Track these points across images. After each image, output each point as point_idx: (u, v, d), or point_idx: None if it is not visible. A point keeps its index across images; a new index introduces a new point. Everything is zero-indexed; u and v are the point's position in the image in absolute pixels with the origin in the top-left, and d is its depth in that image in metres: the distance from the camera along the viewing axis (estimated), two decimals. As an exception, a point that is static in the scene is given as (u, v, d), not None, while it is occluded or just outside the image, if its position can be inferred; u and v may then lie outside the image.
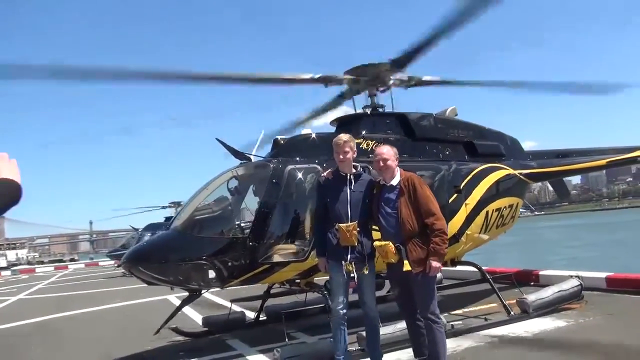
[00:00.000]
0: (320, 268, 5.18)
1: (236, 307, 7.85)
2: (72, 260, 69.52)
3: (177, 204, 27.69)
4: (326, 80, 7.97)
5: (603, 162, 10.26)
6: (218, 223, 6.46)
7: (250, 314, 8.36)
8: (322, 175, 5.24)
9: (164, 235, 6.45)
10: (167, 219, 26.85)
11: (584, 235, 38.94)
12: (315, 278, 6.73)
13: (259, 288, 7.74)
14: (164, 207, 28.26)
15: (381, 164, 4.78)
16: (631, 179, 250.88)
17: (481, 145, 8.44)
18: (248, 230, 6.19)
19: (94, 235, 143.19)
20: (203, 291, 6.73)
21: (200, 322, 8.19)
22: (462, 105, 8.73)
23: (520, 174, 8.88)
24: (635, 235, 33.47)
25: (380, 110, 8.00)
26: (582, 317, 6.79)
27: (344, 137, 4.97)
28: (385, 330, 5.49)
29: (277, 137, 7.13)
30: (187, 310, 10.32)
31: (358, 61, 7.63)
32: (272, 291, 7.89)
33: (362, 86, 7.98)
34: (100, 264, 41.06)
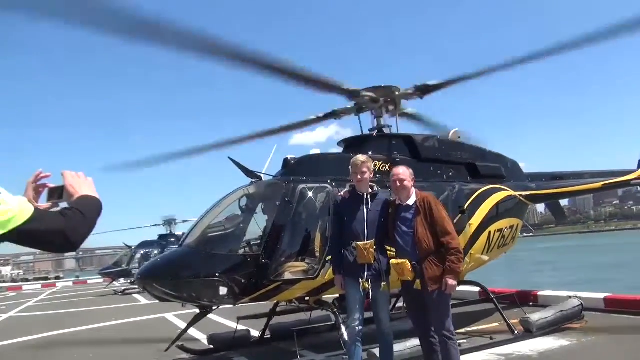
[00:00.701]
0: (336, 285, 5.29)
1: (241, 326, 7.88)
2: (57, 278, 68.23)
3: (170, 222, 27.50)
4: (334, 115, 8.27)
5: (599, 184, 10.53)
6: (231, 240, 6.55)
7: (255, 332, 8.38)
8: (339, 194, 5.39)
9: (178, 252, 6.52)
10: (161, 237, 26.69)
11: (573, 258, 39.32)
12: (324, 296, 6.83)
13: (264, 305, 7.80)
14: (156, 225, 28.00)
15: (398, 184, 4.95)
16: (617, 202, 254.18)
17: (483, 167, 8.66)
18: (261, 248, 6.28)
19: (80, 253, 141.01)
20: (214, 308, 6.77)
21: (204, 340, 8.19)
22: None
23: (521, 195, 9.11)
24: (624, 258, 33.93)
25: (386, 131, 8.22)
26: (584, 336, 6.94)
27: (361, 157, 5.15)
28: (397, 348, 5.58)
29: (287, 156, 7.28)
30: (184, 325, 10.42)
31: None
32: (277, 309, 7.94)
33: (378, 106, 8.15)
34: (89, 281, 40.49)
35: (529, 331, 7.01)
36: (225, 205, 6.82)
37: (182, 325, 10.94)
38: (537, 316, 7.16)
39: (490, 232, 8.18)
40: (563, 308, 7.48)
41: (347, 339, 5.05)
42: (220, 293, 6.05)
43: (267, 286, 6.22)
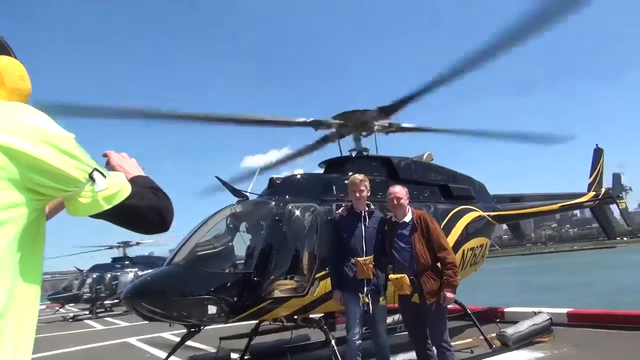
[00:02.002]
0: (335, 300, 5.41)
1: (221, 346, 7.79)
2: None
3: (125, 244, 26.58)
4: (317, 124, 8.45)
5: (556, 206, 11.25)
6: (222, 258, 6.55)
7: (236, 355, 8.29)
8: (337, 212, 5.56)
9: (167, 270, 6.42)
10: (115, 259, 25.71)
11: (515, 278, 40.96)
12: (310, 314, 6.91)
13: (246, 325, 7.76)
14: (111, 247, 26.96)
15: (395, 202, 5.19)
16: (555, 225, 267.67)
17: (455, 188, 9.09)
18: (252, 266, 6.31)
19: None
20: (202, 327, 6.70)
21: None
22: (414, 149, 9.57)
23: (489, 215, 9.59)
24: (561, 278, 35.83)
25: (365, 153, 8.51)
26: (555, 349, 7.34)
27: (359, 176, 5.36)
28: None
29: (272, 176, 7.40)
30: (155, 351, 10.12)
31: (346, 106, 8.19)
32: (259, 329, 7.91)
33: (348, 130, 8.50)
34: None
35: (505, 345, 7.34)
36: (213, 223, 6.82)
37: (150, 349, 10.66)
38: (512, 330, 7.52)
39: (464, 251, 8.55)
40: (535, 322, 7.89)
41: (347, 352, 5.15)
42: (212, 312, 6.02)
43: (258, 304, 6.24)
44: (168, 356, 6.82)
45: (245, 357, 8.07)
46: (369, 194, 5.38)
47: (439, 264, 5.02)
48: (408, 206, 5.27)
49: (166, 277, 6.27)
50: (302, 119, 8.13)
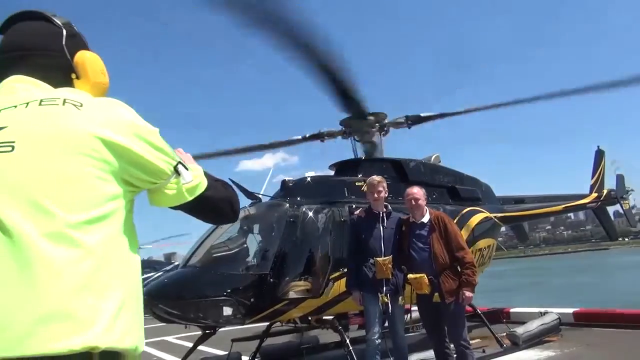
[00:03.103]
0: (354, 300, 5.48)
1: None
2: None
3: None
4: (318, 137, 8.60)
5: (560, 207, 11.37)
6: (236, 260, 6.58)
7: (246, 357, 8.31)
8: (355, 213, 5.63)
9: (183, 272, 6.46)
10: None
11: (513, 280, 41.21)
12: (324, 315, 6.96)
13: (258, 327, 7.80)
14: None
15: (413, 202, 5.27)
16: (550, 227, 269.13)
17: (462, 190, 9.18)
18: (267, 267, 6.36)
19: None
20: (218, 329, 6.73)
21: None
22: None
23: (495, 217, 9.69)
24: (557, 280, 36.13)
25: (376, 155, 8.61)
26: (564, 348, 7.43)
27: (377, 178, 5.44)
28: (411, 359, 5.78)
29: (285, 178, 7.46)
30: (162, 354, 10.11)
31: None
32: (271, 330, 7.95)
33: (353, 134, 8.58)
34: None
35: (515, 344, 7.43)
36: (228, 225, 6.85)
37: (156, 352, 10.65)
38: (522, 329, 7.61)
39: (472, 252, 8.63)
40: (544, 322, 7.98)
41: (366, 351, 5.21)
42: (228, 313, 6.06)
43: (274, 305, 6.29)
44: (184, 358, 6.84)
45: (256, 359, 8.11)
46: (387, 195, 5.46)
47: (456, 264, 5.09)
48: (425, 207, 5.35)
49: (183, 279, 6.31)
50: (304, 135, 8.36)
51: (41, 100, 1.19)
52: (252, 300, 6.16)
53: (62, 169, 1.10)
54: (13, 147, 1.10)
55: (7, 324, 0.95)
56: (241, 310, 6.13)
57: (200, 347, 7.76)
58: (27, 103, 1.18)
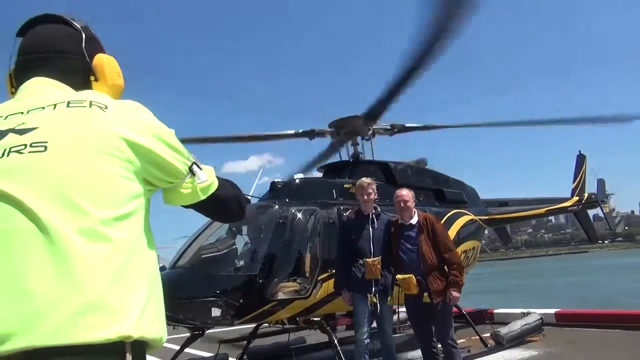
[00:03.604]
0: (344, 301, 5.54)
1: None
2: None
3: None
4: (310, 134, 8.65)
5: (543, 210, 11.61)
6: (225, 261, 6.60)
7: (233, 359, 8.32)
8: (345, 214, 5.70)
9: (172, 273, 6.45)
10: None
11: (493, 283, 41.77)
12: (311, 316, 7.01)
13: (246, 328, 7.82)
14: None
15: (402, 204, 5.36)
16: (531, 230, 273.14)
17: (448, 192, 9.33)
18: (256, 268, 6.39)
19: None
20: (206, 330, 6.74)
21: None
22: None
23: (480, 219, 9.86)
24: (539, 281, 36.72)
25: (361, 157, 8.70)
26: (547, 347, 7.59)
27: (367, 180, 5.52)
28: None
29: (274, 180, 7.50)
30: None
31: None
32: (258, 331, 7.97)
33: (342, 137, 8.68)
34: None
35: (499, 344, 7.57)
36: (217, 226, 6.88)
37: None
38: (506, 329, 7.75)
39: None
40: (527, 322, 8.14)
41: (355, 351, 5.28)
42: (217, 314, 6.08)
43: (263, 306, 6.32)
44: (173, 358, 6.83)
45: (244, 360, 8.12)
46: (376, 197, 5.54)
47: (444, 265, 5.20)
48: (414, 209, 5.44)
49: (172, 280, 6.28)
50: (296, 131, 8.37)
51: (68, 102, 1.24)
52: (241, 301, 6.18)
53: (92, 168, 1.15)
54: (46, 147, 1.15)
55: (48, 313, 1.00)
56: (230, 311, 6.15)
57: (187, 350, 7.76)
58: (55, 105, 1.24)
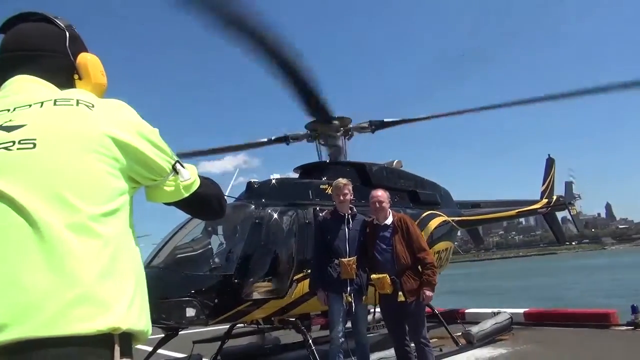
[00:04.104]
0: (319, 300, 5.58)
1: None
2: None
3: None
4: (284, 140, 8.73)
5: (513, 212, 11.89)
6: (200, 261, 6.57)
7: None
8: (321, 215, 5.75)
9: (145, 273, 6.37)
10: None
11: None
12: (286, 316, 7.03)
13: (220, 329, 7.79)
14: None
15: (377, 205, 5.43)
16: (503, 232, 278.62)
17: (422, 194, 9.48)
18: (231, 268, 6.38)
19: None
20: (180, 330, 6.68)
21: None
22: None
23: (453, 220, 10.04)
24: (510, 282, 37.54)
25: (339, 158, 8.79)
26: (516, 345, 7.80)
27: (343, 181, 5.58)
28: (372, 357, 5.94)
29: (250, 180, 7.50)
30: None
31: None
32: (233, 331, 7.95)
33: (318, 138, 8.74)
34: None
35: (470, 343, 7.74)
36: (192, 226, 6.84)
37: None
38: (476, 328, 7.93)
39: None
40: (497, 321, 8.34)
41: (330, 350, 5.32)
42: (192, 314, 6.04)
43: (238, 306, 6.31)
44: (146, 358, 6.75)
45: (218, 360, 8.08)
46: (352, 198, 5.61)
47: (417, 265, 5.29)
48: (389, 209, 5.53)
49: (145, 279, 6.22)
50: (267, 138, 8.49)
51: (55, 100, 1.26)
52: (215, 301, 6.16)
53: (81, 165, 1.18)
54: (35, 145, 1.16)
55: (40, 306, 1.03)
56: (205, 311, 6.12)
57: (160, 350, 7.68)
58: (42, 103, 1.25)
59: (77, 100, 1.27)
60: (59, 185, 1.14)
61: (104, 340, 1.09)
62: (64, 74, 1.43)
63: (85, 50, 1.51)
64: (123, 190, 1.26)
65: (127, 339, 1.16)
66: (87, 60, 1.47)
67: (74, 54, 1.46)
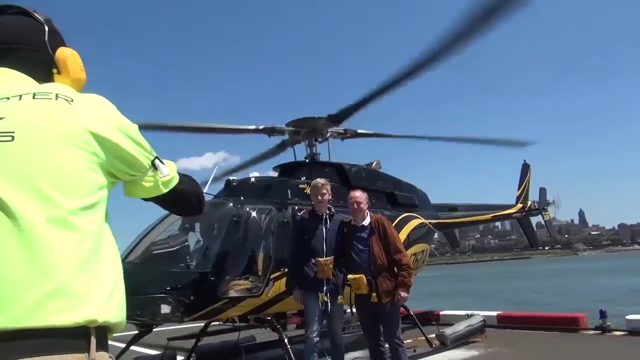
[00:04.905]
0: (295, 299, 5.60)
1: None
2: None
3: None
4: (269, 131, 8.66)
5: (489, 216, 12.08)
6: (176, 257, 6.50)
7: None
8: (299, 214, 5.76)
9: None
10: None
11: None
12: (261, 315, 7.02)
13: (195, 326, 7.74)
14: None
15: (355, 206, 5.47)
16: (479, 236, 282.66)
17: (400, 196, 9.57)
18: (207, 266, 6.35)
19: None
20: (154, 327, 6.62)
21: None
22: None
23: (430, 223, 10.16)
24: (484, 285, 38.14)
25: (316, 159, 8.80)
26: (488, 347, 7.94)
27: (321, 181, 5.61)
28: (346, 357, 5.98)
29: (229, 178, 7.48)
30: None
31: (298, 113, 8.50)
32: (208, 329, 7.90)
33: (301, 137, 8.75)
34: None
35: (444, 344, 7.85)
36: (169, 222, 6.78)
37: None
38: (450, 330, 8.05)
39: None
40: (470, 323, 8.48)
41: (305, 349, 5.34)
42: (166, 311, 5.99)
43: (213, 304, 6.28)
44: (117, 358, 6.66)
45: (192, 358, 8.02)
46: (330, 198, 5.64)
47: (393, 266, 5.34)
48: (367, 210, 5.57)
49: None
50: (255, 127, 8.39)
51: (34, 94, 1.25)
52: (191, 298, 6.12)
53: (60, 159, 1.18)
54: (13, 137, 1.16)
55: (17, 298, 1.03)
56: (180, 308, 6.07)
57: (133, 347, 7.60)
58: (20, 96, 1.24)
59: (57, 95, 1.27)
60: (38, 178, 1.14)
61: (81, 333, 1.10)
62: (42, 68, 1.41)
63: (64, 45, 1.50)
64: (102, 185, 1.26)
65: (103, 331, 1.17)
66: (66, 54, 1.46)
67: (52, 48, 1.44)
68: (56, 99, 1.25)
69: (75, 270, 1.11)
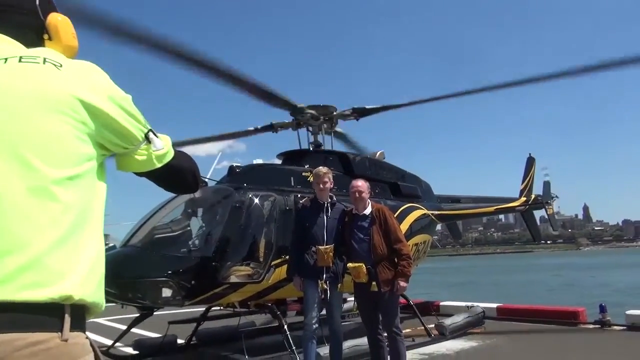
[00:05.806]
0: (295, 286, 5.63)
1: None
2: None
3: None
4: (271, 128, 8.76)
5: (492, 209, 12.06)
6: (178, 242, 6.54)
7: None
8: (301, 202, 5.78)
9: (123, 252, 6.34)
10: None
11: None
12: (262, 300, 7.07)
13: (196, 311, 7.81)
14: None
15: (357, 195, 5.47)
16: (482, 228, 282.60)
17: (404, 186, 9.55)
18: (209, 251, 6.38)
19: None
20: (155, 310, 6.69)
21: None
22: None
23: (432, 214, 10.16)
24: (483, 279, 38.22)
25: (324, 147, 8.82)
26: (487, 339, 7.98)
27: (323, 169, 5.60)
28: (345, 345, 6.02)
29: (232, 164, 7.49)
30: (93, 336, 9.81)
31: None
32: (208, 314, 7.97)
33: (316, 123, 8.73)
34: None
35: (442, 334, 7.90)
36: (172, 207, 6.81)
37: (88, 334, 10.31)
38: (449, 321, 8.09)
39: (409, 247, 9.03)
40: (469, 314, 8.51)
41: (303, 335, 5.38)
42: (167, 295, 6.04)
43: (214, 289, 6.33)
44: (117, 340, 6.75)
45: (192, 342, 8.11)
46: (332, 186, 5.64)
47: (393, 256, 5.35)
48: (368, 200, 5.57)
49: (122, 258, 6.19)
50: (256, 127, 8.53)
51: (21, 57, 1.20)
52: (192, 282, 6.16)
53: (45, 126, 1.12)
54: None
55: None
56: (181, 292, 6.12)
57: (134, 330, 7.68)
58: (6, 59, 1.19)
59: (44, 59, 1.21)
60: (20, 145, 1.09)
61: (54, 309, 1.04)
62: (32, 33, 1.35)
63: (56, 11, 1.43)
64: (90, 156, 1.20)
65: (80, 310, 1.11)
66: (58, 20, 1.39)
67: (44, 13, 1.38)
68: (44, 63, 1.20)
69: (54, 243, 1.06)
